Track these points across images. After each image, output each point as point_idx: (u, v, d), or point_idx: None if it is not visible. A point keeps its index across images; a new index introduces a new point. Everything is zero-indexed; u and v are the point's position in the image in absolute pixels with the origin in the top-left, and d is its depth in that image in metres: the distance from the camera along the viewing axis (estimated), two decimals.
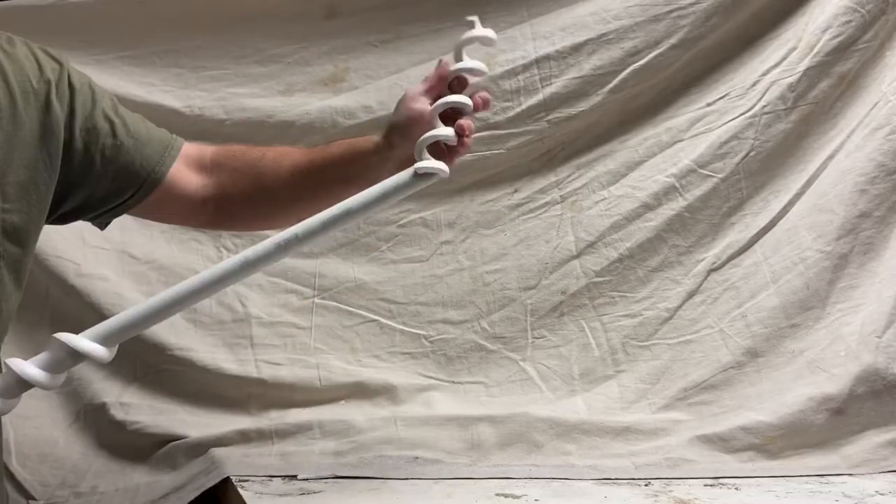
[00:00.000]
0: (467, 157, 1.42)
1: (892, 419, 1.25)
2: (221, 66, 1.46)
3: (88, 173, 0.92)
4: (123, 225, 1.45)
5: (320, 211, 0.82)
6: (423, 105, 0.91)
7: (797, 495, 1.12)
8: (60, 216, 0.94)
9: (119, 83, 1.42)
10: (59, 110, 0.89)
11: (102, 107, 0.93)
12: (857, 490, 1.13)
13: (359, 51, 1.48)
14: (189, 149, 0.99)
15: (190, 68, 1.46)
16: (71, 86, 0.91)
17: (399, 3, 1.47)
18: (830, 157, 1.37)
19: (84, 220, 0.97)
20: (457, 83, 0.91)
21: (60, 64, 0.92)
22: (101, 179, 0.92)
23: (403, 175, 0.84)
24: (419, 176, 0.84)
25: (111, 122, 0.93)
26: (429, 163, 0.84)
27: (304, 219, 0.83)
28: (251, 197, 0.98)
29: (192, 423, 1.34)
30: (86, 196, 0.93)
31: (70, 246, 1.39)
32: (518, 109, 1.44)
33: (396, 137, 0.93)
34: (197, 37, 1.45)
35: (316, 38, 1.48)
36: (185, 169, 0.97)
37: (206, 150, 1.01)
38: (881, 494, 1.11)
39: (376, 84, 1.47)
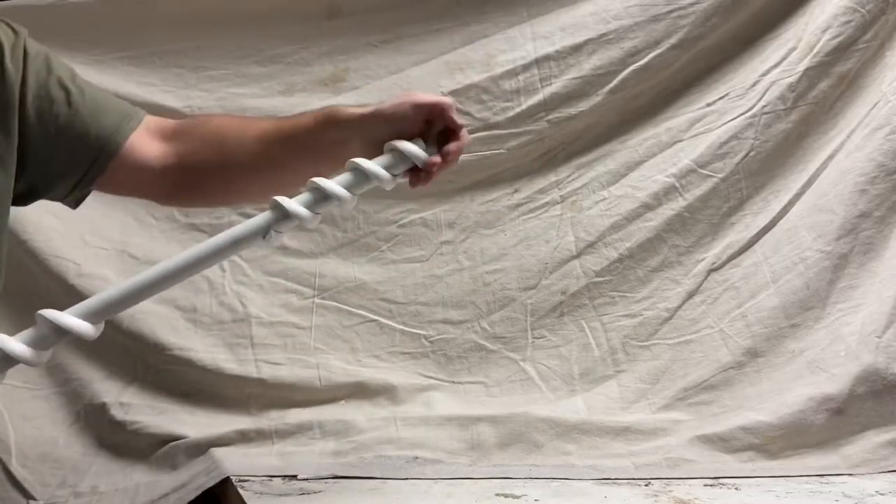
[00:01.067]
0: (467, 157, 1.44)
1: (892, 419, 1.25)
2: (221, 66, 1.46)
3: (42, 145, 0.89)
4: (124, 225, 1.46)
5: (285, 185, 0.80)
6: (417, 111, 0.90)
7: (797, 495, 1.12)
8: (19, 196, 0.91)
9: (119, 83, 1.42)
10: (13, 76, 0.87)
11: (58, 75, 0.91)
12: (857, 490, 1.13)
13: (359, 51, 1.48)
14: (151, 120, 0.96)
15: (190, 68, 1.46)
16: (26, 52, 0.89)
17: (399, 3, 1.48)
18: (830, 157, 1.37)
19: (47, 198, 0.94)
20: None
21: (16, 32, 0.90)
22: (57, 152, 0.90)
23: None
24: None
25: (67, 91, 0.90)
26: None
27: (268, 192, 0.81)
28: (214, 165, 0.94)
29: (192, 423, 1.34)
30: (42, 172, 0.90)
31: (70, 246, 1.39)
32: (518, 109, 1.44)
33: (376, 117, 0.91)
34: (197, 37, 1.45)
35: (316, 38, 1.48)
36: (147, 138, 0.94)
37: (170, 121, 0.98)
38: (881, 494, 1.11)
39: (376, 84, 1.47)
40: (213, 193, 1.01)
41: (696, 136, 1.44)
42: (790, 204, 1.39)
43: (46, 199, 0.95)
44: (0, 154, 0.87)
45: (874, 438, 1.25)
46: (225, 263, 1.44)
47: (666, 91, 1.46)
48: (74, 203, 0.97)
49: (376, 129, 0.91)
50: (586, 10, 1.46)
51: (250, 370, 1.39)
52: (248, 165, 0.94)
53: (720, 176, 1.42)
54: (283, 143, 0.93)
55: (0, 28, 0.89)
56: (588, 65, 1.44)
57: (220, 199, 1.08)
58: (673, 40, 1.42)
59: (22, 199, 0.92)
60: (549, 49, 1.45)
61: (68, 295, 1.38)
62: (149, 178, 0.95)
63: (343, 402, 1.39)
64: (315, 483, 1.17)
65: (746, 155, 1.41)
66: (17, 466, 1.31)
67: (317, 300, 1.44)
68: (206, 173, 0.95)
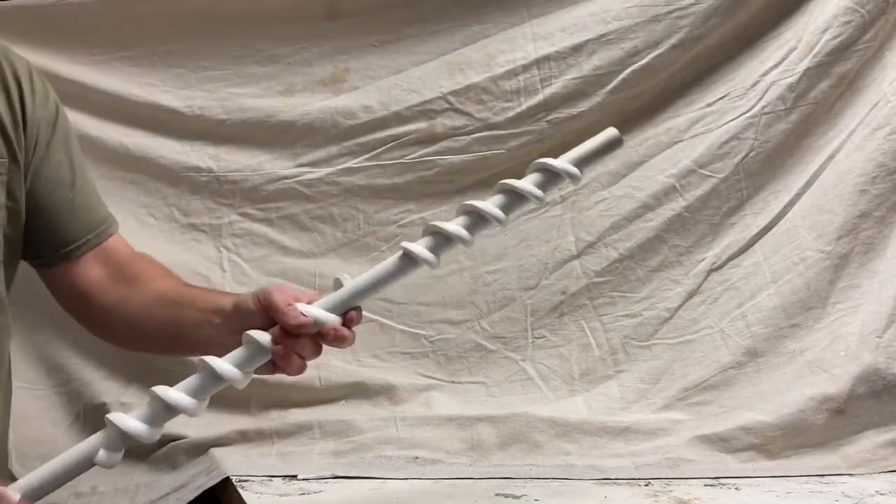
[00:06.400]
0: (467, 156, 1.45)
1: (892, 419, 1.25)
2: (221, 66, 1.46)
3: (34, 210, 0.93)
4: (124, 225, 1.45)
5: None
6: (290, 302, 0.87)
7: (797, 495, 1.12)
8: None
9: (119, 83, 1.42)
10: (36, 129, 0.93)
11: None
12: (857, 490, 1.13)
13: (359, 51, 1.48)
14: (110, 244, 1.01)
15: (190, 68, 1.45)
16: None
17: (399, 3, 1.47)
18: (830, 157, 1.37)
19: None
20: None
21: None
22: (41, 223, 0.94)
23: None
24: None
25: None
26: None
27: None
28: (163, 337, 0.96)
29: (192, 423, 1.34)
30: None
31: None
32: (518, 110, 1.44)
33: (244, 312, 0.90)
34: (197, 37, 1.45)
35: (316, 38, 1.48)
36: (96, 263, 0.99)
37: (122, 252, 1.03)
38: (881, 494, 1.11)
39: (377, 84, 1.47)
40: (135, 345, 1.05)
41: (696, 136, 1.44)
42: (790, 204, 1.39)
43: None
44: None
45: (874, 438, 1.25)
46: (225, 263, 1.44)
47: (666, 91, 1.46)
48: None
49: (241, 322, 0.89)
50: (586, 11, 1.45)
51: None
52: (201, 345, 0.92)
53: (720, 176, 1.42)
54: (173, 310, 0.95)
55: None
56: (588, 65, 1.44)
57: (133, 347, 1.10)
58: (673, 40, 1.42)
59: None
60: (549, 49, 1.45)
61: None
62: (85, 303, 0.98)
63: (343, 402, 1.39)
64: (315, 483, 1.17)
65: (746, 155, 1.41)
66: (17, 466, 1.31)
67: None
68: (152, 342, 0.99)
